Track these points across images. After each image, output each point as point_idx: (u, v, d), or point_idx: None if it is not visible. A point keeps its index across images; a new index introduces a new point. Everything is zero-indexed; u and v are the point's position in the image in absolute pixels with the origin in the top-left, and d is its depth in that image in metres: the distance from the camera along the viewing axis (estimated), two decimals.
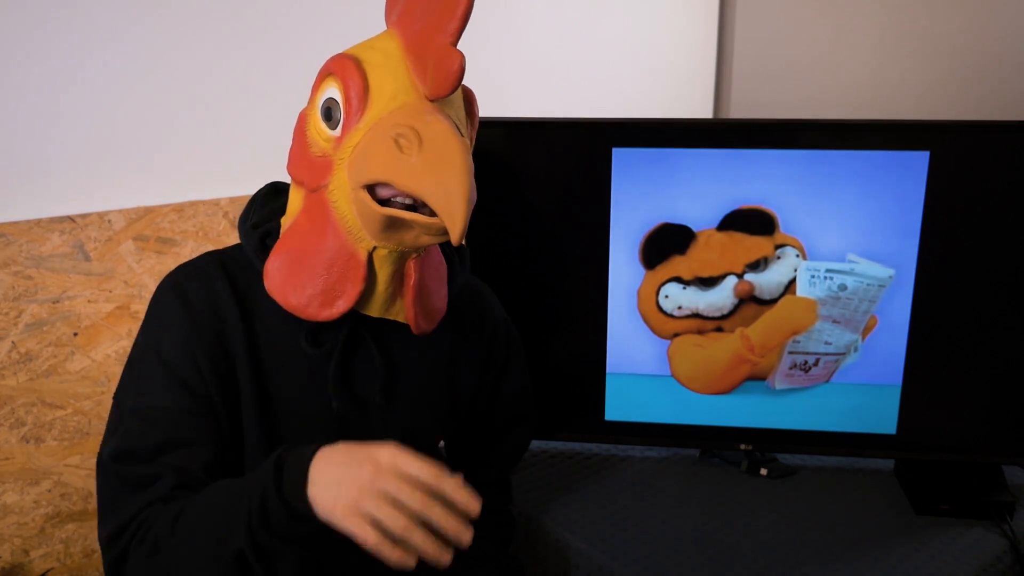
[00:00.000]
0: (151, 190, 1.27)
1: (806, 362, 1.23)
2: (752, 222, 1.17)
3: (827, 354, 1.22)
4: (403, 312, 0.85)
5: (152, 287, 1.28)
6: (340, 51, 0.80)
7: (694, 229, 1.19)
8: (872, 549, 1.12)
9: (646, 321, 1.24)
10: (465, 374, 1.00)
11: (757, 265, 1.19)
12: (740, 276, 1.20)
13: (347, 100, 0.75)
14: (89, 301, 1.24)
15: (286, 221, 0.85)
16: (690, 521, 1.19)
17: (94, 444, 1.28)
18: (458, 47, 0.72)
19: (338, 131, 0.77)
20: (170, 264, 1.29)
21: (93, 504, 1.29)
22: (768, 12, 1.89)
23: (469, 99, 0.83)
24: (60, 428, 1.25)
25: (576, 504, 1.24)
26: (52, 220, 1.19)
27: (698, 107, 2.01)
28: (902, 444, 1.25)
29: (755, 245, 1.18)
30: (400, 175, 0.70)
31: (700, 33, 1.96)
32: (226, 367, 0.84)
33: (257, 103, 1.32)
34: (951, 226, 1.15)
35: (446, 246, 0.94)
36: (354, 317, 0.86)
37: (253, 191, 0.94)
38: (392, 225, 0.76)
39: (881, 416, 1.24)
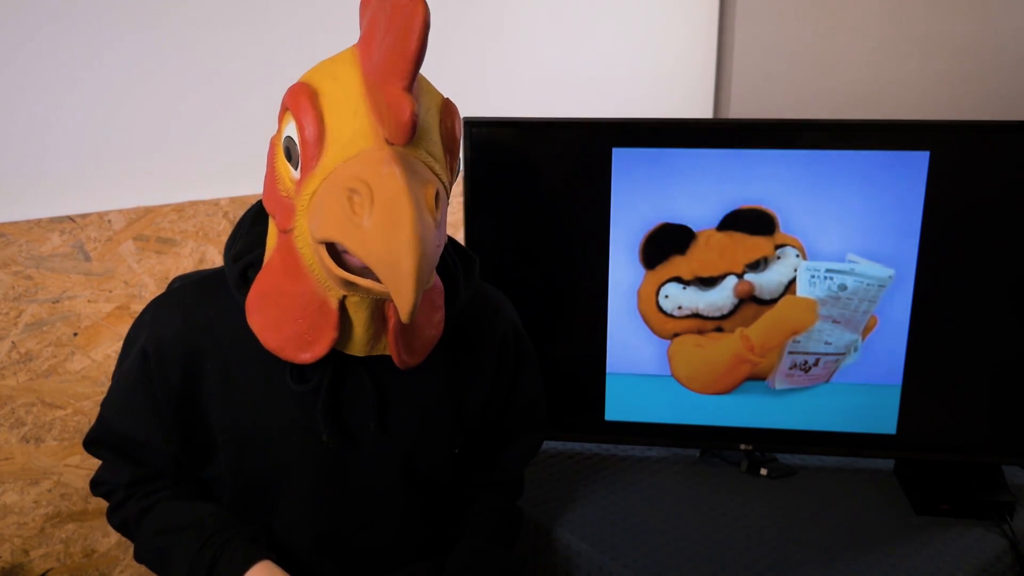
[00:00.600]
0: (151, 190, 1.27)
1: (806, 362, 1.23)
2: (752, 222, 1.17)
3: (827, 354, 1.22)
4: (377, 342, 0.82)
5: (152, 287, 1.28)
6: (316, 64, 0.74)
7: (694, 229, 1.19)
8: (872, 549, 1.12)
9: (646, 321, 1.24)
10: (472, 388, 0.97)
11: (757, 265, 1.19)
12: (740, 276, 1.20)
13: (303, 142, 0.70)
14: (89, 301, 1.24)
15: (267, 254, 0.82)
16: (690, 521, 1.19)
17: None
18: (412, 92, 0.66)
19: (298, 173, 0.72)
20: (170, 264, 1.29)
21: (93, 504, 1.29)
22: (768, 12, 1.89)
23: (450, 117, 0.75)
24: (60, 428, 1.24)
25: (576, 504, 1.24)
26: (52, 220, 1.19)
27: (698, 107, 2.01)
28: (902, 444, 1.25)
29: (755, 245, 1.18)
30: (351, 240, 0.66)
31: (700, 33, 1.96)
32: (193, 414, 0.89)
33: (257, 103, 1.32)
34: (951, 226, 1.15)
35: (448, 260, 0.90)
36: (339, 354, 0.83)
37: (253, 191, 0.94)
38: (352, 284, 0.72)
39: (881, 416, 1.24)
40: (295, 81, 0.73)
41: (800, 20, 1.83)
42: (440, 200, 0.69)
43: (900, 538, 1.15)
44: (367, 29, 0.71)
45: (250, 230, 0.87)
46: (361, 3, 0.75)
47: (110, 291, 1.25)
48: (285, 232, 0.74)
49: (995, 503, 1.18)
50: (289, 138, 0.71)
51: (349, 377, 0.87)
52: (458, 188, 1.61)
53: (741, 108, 1.98)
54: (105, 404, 0.93)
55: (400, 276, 0.63)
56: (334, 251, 0.71)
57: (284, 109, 0.72)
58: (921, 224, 1.15)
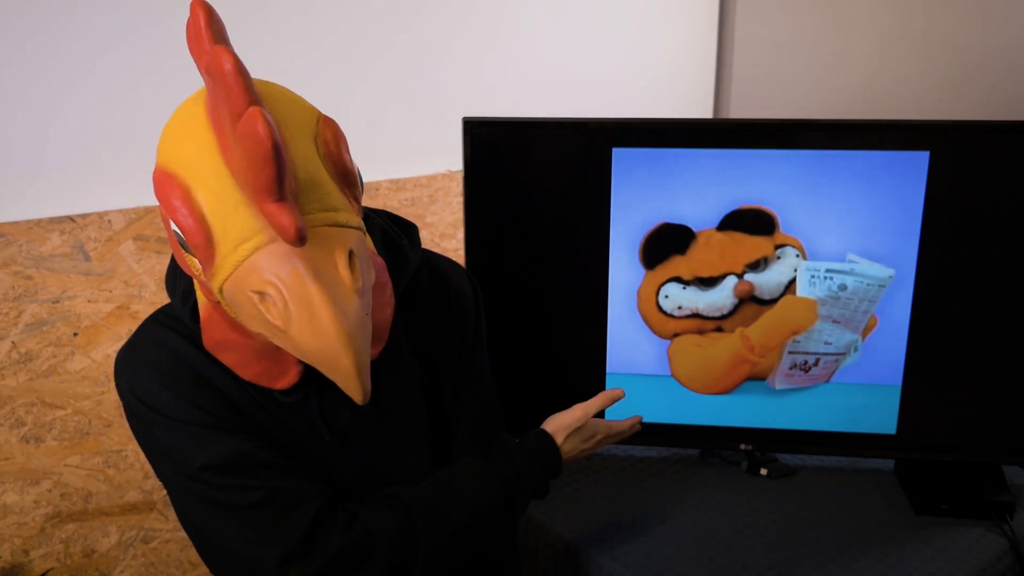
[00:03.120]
0: (151, 190, 1.27)
1: (806, 362, 1.23)
2: (752, 222, 1.17)
3: (827, 354, 1.22)
4: None
5: (152, 287, 1.28)
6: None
7: (694, 229, 1.19)
8: (872, 549, 1.12)
9: (646, 321, 1.24)
10: (442, 348, 0.95)
11: (757, 265, 1.19)
12: (740, 276, 1.20)
13: (192, 245, 0.66)
14: (89, 301, 1.24)
15: (200, 304, 0.78)
16: (690, 521, 1.19)
17: (94, 444, 1.28)
18: (287, 199, 0.61)
19: (195, 260, 0.68)
20: None
21: (93, 504, 1.29)
22: (768, 12, 1.89)
23: (332, 139, 0.69)
24: (60, 428, 1.24)
25: (576, 504, 1.24)
26: (52, 220, 1.19)
27: (698, 107, 2.01)
28: (902, 444, 1.25)
29: (755, 245, 1.18)
30: (279, 339, 0.65)
31: (700, 33, 1.96)
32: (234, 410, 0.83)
33: None
34: (951, 226, 1.15)
35: (391, 232, 0.89)
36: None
37: None
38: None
39: (881, 416, 1.24)
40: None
41: (800, 20, 1.83)
42: (355, 256, 0.65)
43: (900, 538, 1.15)
44: (212, 108, 0.65)
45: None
46: (191, 51, 0.66)
47: (110, 291, 1.25)
48: (214, 302, 0.72)
49: (995, 503, 1.18)
50: (178, 234, 0.66)
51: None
52: (458, 188, 1.62)
53: (741, 108, 1.98)
54: (176, 464, 0.81)
55: (341, 372, 0.63)
56: None
57: (160, 199, 0.67)
58: (921, 224, 1.15)
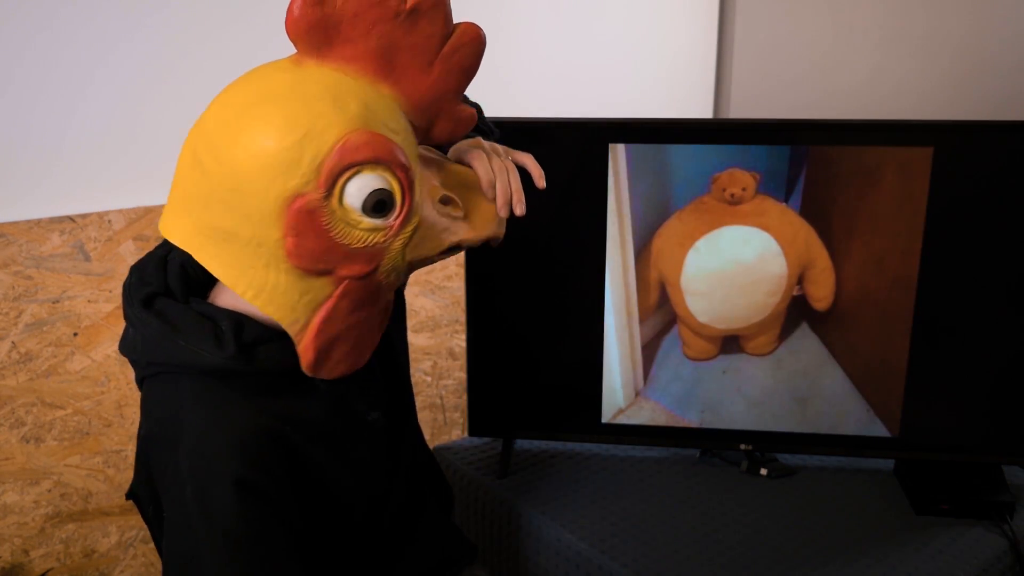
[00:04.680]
0: (151, 190, 1.27)
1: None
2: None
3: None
4: None
5: None
6: (361, 129, 0.67)
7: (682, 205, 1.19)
8: (872, 549, 1.12)
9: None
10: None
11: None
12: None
13: (405, 189, 0.69)
14: (89, 301, 1.24)
15: (293, 315, 0.71)
16: (690, 521, 1.19)
17: (94, 444, 1.28)
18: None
19: (391, 219, 0.70)
20: None
21: (93, 504, 1.29)
22: (768, 12, 1.89)
23: None
24: (60, 428, 1.25)
25: (576, 504, 1.24)
26: (52, 220, 1.19)
27: (698, 107, 2.01)
28: (902, 444, 1.25)
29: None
30: (470, 234, 0.78)
31: (700, 33, 1.96)
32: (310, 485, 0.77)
33: None
34: (952, 226, 1.15)
35: None
36: None
37: None
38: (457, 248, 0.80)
39: (881, 416, 1.24)
40: (351, 131, 0.67)
41: (800, 19, 1.83)
42: None
43: (900, 538, 1.15)
44: (379, 55, 0.70)
45: (196, 317, 0.75)
46: (354, 26, 0.69)
47: (110, 291, 1.25)
48: (363, 276, 0.72)
49: (995, 503, 1.18)
50: (380, 190, 0.68)
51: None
52: None
53: (741, 108, 1.98)
54: None
55: (503, 226, 0.81)
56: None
57: (350, 166, 0.67)
58: (923, 224, 1.15)
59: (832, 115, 1.80)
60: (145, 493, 0.77)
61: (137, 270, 0.80)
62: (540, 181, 0.85)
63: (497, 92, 1.65)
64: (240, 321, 0.73)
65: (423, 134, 0.74)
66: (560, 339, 1.28)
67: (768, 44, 1.90)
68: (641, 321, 1.25)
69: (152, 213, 1.27)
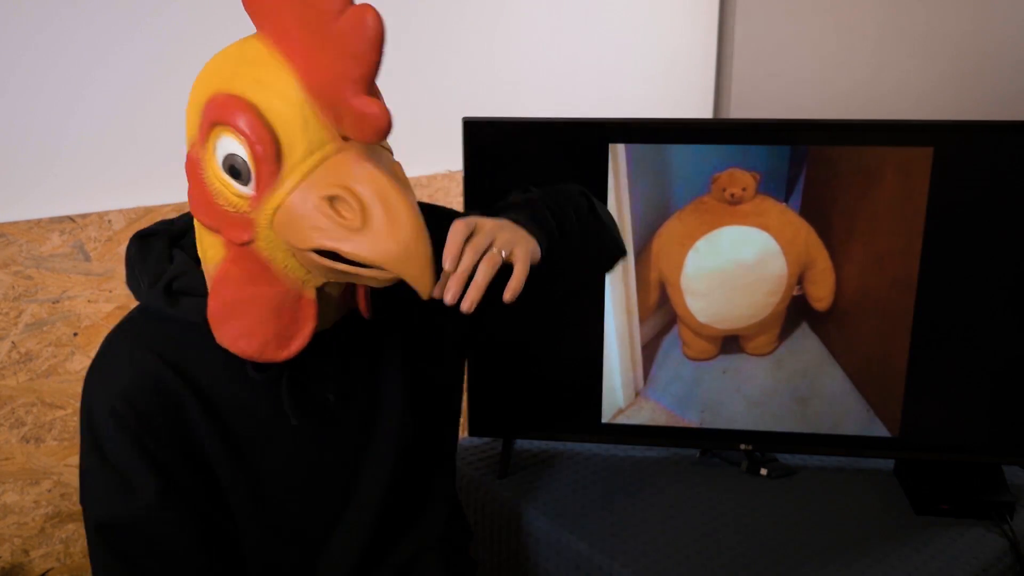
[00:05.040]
0: (151, 190, 1.27)
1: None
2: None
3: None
4: (344, 308, 0.81)
5: None
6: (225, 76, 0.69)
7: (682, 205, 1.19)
8: (872, 549, 1.12)
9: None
10: (439, 348, 0.93)
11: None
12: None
13: (257, 159, 0.67)
14: (89, 301, 1.24)
15: (208, 266, 0.76)
16: (690, 521, 1.19)
17: None
18: (376, 94, 0.66)
19: (250, 189, 0.69)
20: None
21: None
22: (768, 12, 1.89)
23: None
24: (60, 428, 1.25)
25: (576, 504, 1.24)
26: (52, 220, 1.19)
27: (698, 107, 2.01)
28: (902, 444, 1.25)
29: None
30: (349, 246, 0.66)
31: (700, 33, 1.96)
32: (192, 449, 0.79)
33: None
34: (953, 226, 1.15)
35: None
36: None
37: None
38: (348, 275, 0.72)
39: (881, 416, 1.24)
40: (222, 91, 0.69)
41: (800, 20, 1.83)
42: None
43: (900, 538, 1.15)
44: (286, 32, 0.68)
45: (144, 261, 0.81)
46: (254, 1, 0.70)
47: (110, 291, 1.25)
48: (243, 244, 0.72)
49: (995, 503, 1.18)
50: (233, 155, 0.68)
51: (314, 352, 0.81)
52: (458, 188, 1.61)
53: (741, 108, 1.98)
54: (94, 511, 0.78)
55: (417, 264, 0.65)
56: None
57: (212, 124, 0.69)
58: (923, 224, 1.15)
59: (832, 115, 1.80)
60: None
61: (161, 221, 0.88)
62: (507, 294, 0.76)
63: (497, 92, 1.66)
64: (186, 271, 0.78)
65: (339, 128, 0.69)
66: (560, 339, 1.28)
67: (768, 44, 1.90)
68: (641, 321, 1.25)
69: (152, 213, 1.27)
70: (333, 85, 0.66)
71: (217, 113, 0.68)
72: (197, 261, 0.78)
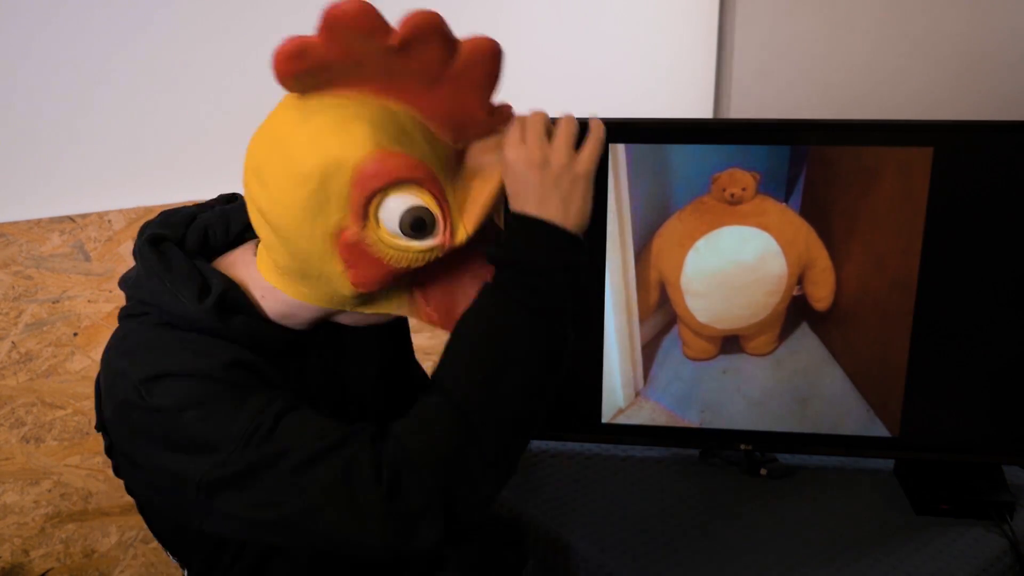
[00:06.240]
0: (151, 190, 1.27)
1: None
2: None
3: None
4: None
5: None
6: (372, 153, 0.66)
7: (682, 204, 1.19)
8: (872, 549, 1.12)
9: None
10: None
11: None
12: None
13: (440, 202, 0.69)
14: (89, 301, 1.24)
15: (259, 282, 0.76)
16: (690, 521, 1.19)
17: (94, 444, 1.28)
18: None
19: (439, 237, 0.69)
20: None
21: (93, 504, 1.29)
22: (768, 12, 1.89)
23: None
24: (60, 428, 1.25)
25: (576, 504, 1.24)
26: (52, 220, 1.19)
27: (698, 107, 2.01)
28: (902, 444, 1.25)
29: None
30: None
31: (700, 33, 1.96)
32: None
33: (256, 103, 1.32)
34: (953, 226, 1.15)
35: None
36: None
37: None
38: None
39: (881, 416, 1.24)
40: (362, 157, 0.66)
41: (801, 19, 1.83)
42: None
43: (900, 538, 1.15)
44: (392, 82, 0.69)
45: (182, 267, 0.76)
46: (353, 34, 0.66)
47: (110, 291, 1.25)
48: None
49: (995, 503, 1.18)
50: (415, 209, 0.67)
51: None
52: None
53: (741, 108, 1.98)
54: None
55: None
56: None
57: (375, 190, 0.66)
58: (923, 224, 1.15)
59: (832, 115, 1.80)
60: (103, 425, 0.78)
61: (164, 215, 0.83)
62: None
63: (497, 92, 1.66)
64: (231, 287, 0.75)
65: (458, 141, 0.72)
66: None
67: (768, 44, 1.90)
68: (641, 321, 1.25)
69: (152, 213, 1.27)
70: (461, 114, 0.71)
71: (379, 181, 0.66)
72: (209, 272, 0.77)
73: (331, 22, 0.62)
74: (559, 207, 0.74)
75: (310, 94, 0.69)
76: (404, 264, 0.70)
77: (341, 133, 0.66)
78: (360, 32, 0.63)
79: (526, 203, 0.73)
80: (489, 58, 0.69)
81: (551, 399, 0.75)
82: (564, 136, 0.77)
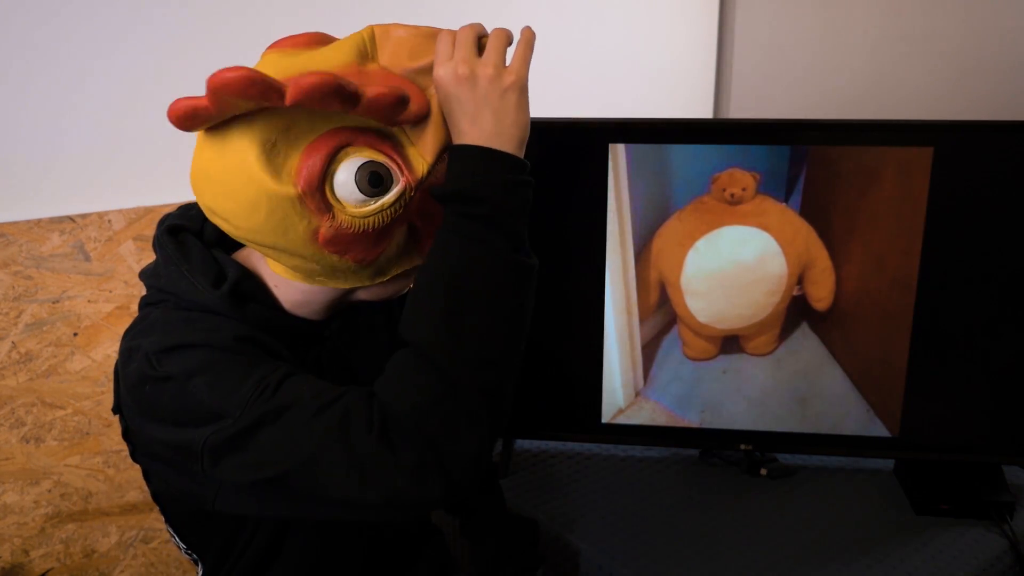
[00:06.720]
0: (151, 190, 1.27)
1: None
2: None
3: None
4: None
5: None
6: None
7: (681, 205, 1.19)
8: (872, 549, 1.12)
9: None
10: None
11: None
12: None
13: (384, 151, 0.69)
14: (89, 301, 1.24)
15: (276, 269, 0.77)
16: (690, 521, 1.19)
17: (94, 444, 1.28)
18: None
19: (402, 178, 0.69)
20: None
21: (93, 504, 1.29)
22: (768, 12, 1.89)
23: None
24: (60, 428, 1.25)
25: (576, 504, 1.24)
26: (52, 220, 1.19)
27: (698, 107, 2.01)
28: (902, 444, 1.25)
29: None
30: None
31: (700, 33, 1.96)
32: None
33: None
34: (953, 226, 1.15)
35: None
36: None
37: None
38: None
39: (881, 416, 1.24)
40: (299, 157, 0.67)
41: (800, 19, 1.83)
42: None
43: (900, 538, 1.15)
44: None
45: (202, 256, 0.78)
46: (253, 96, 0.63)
47: (110, 291, 1.25)
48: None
49: (995, 503, 1.18)
50: (364, 164, 0.67)
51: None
52: None
53: (741, 108, 1.98)
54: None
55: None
56: None
57: (323, 173, 0.67)
58: (923, 224, 1.15)
59: (832, 115, 1.80)
60: (120, 407, 0.78)
61: (184, 207, 0.85)
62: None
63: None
64: (246, 275, 0.76)
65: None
66: (560, 339, 1.28)
67: (768, 44, 1.90)
68: (641, 321, 1.25)
69: (152, 213, 1.27)
70: (381, 118, 0.70)
71: (318, 165, 0.67)
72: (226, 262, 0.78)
73: (216, 89, 0.60)
74: (491, 123, 0.72)
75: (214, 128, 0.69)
76: (388, 220, 0.70)
77: (260, 155, 0.66)
78: (246, 98, 0.62)
79: (460, 122, 0.72)
80: (393, 106, 0.66)
81: (526, 332, 0.74)
82: (493, 49, 0.76)
